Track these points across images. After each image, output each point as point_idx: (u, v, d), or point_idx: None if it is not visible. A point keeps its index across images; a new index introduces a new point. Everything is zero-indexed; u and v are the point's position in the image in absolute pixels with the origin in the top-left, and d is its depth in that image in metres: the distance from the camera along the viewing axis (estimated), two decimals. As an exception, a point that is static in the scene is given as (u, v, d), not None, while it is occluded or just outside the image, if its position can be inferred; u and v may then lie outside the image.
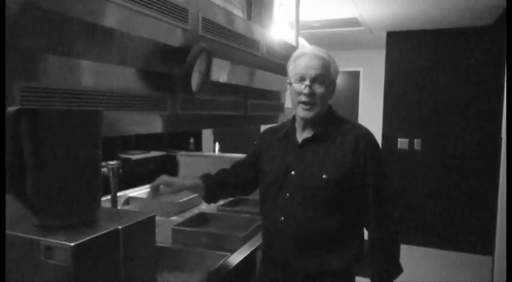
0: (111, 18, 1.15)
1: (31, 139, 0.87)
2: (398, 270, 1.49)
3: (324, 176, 1.42)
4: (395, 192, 1.53)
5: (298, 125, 1.54)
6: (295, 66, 1.47)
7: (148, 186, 2.64)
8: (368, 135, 1.49)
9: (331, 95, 1.50)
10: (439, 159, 4.42)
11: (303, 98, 1.44)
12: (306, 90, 1.43)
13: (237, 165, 1.73)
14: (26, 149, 0.87)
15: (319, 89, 1.44)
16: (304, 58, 1.46)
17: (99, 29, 1.13)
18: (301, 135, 1.52)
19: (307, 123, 1.50)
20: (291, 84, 1.48)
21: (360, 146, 1.44)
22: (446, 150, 4.38)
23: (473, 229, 4.28)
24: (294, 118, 1.57)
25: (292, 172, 1.47)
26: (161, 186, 1.57)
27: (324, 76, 1.44)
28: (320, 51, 1.48)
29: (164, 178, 1.58)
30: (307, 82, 1.43)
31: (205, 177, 1.65)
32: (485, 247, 3.97)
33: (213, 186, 1.64)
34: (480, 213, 4.23)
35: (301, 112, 1.46)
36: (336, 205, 1.44)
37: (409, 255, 4.12)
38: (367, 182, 1.44)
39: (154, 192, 1.57)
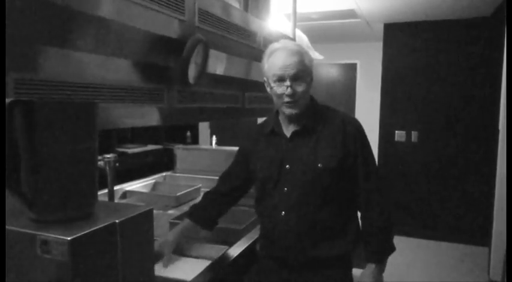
0: (107, 9, 1.13)
1: (26, 131, 0.85)
2: (391, 248, 1.52)
3: (319, 165, 1.43)
4: (380, 175, 1.56)
5: (283, 120, 1.54)
6: (271, 66, 1.44)
7: (144, 180, 2.65)
8: (353, 119, 1.53)
9: (311, 86, 1.49)
10: (436, 151, 4.42)
11: (286, 99, 1.43)
12: (289, 91, 1.41)
13: (225, 176, 1.72)
14: (21, 142, 0.86)
15: (299, 87, 1.42)
16: (279, 56, 1.42)
17: (94, 20, 1.11)
18: (288, 129, 1.52)
19: (292, 117, 1.50)
20: (271, 87, 1.45)
21: (348, 131, 1.47)
22: (444, 143, 4.39)
23: (469, 220, 4.31)
24: (277, 113, 1.56)
25: (287, 166, 1.47)
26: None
27: (302, 72, 1.42)
28: (293, 45, 1.46)
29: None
30: (288, 83, 1.40)
31: (190, 212, 1.64)
32: (482, 238, 3.99)
33: (201, 215, 1.63)
34: (477, 204, 4.25)
35: (287, 110, 1.46)
36: (333, 193, 1.46)
37: (406, 247, 4.15)
38: (358, 164, 1.47)
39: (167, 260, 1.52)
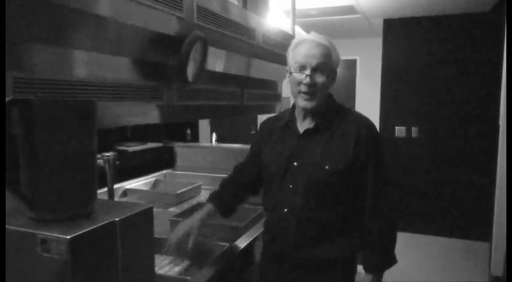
0: (105, 7, 1.13)
1: (24, 130, 0.85)
2: (392, 261, 1.49)
3: (326, 167, 1.40)
4: (393, 183, 1.52)
5: (298, 115, 1.51)
6: (295, 54, 1.42)
7: (145, 178, 2.64)
8: (370, 125, 1.47)
9: (332, 84, 1.45)
10: (437, 146, 4.42)
11: (304, 88, 1.40)
12: (307, 80, 1.38)
13: (242, 166, 1.71)
14: (19, 141, 0.85)
15: (320, 79, 1.39)
16: (305, 46, 1.41)
17: (92, 18, 1.11)
18: (302, 125, 1.49)
19: (307, 113, 1.47)
20: (290, 73, 1.43)
21: (362, 136, 1.42)
22: (444, 138, 4.39)
23: (470, 215, 4.31)
24: (293, 107, 1.54)
25: (295, 163, 1.45)
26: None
27: (325, 65, 1.40)
28: (321, 39, 1.43)
29: (175, 238, 1.50)
30: (308, 72, 1.38)
31: (214, 198, 1.63)
32: (483, 233, 3.99)
33: (223, 202, 1.62)
34: (477, 199, 4.25)
35: (302, 102, 1.42)
36: (338, 195, 1.43)
37: (407, 242, 4.15)
38: (368, 172, 1.43)
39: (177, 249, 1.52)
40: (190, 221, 1.55)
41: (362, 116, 1.51)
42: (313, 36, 1.45)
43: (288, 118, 1.53)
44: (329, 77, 1.42)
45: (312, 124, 1.47)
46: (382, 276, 1.50)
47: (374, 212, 1.45)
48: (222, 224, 1.77)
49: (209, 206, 1.60)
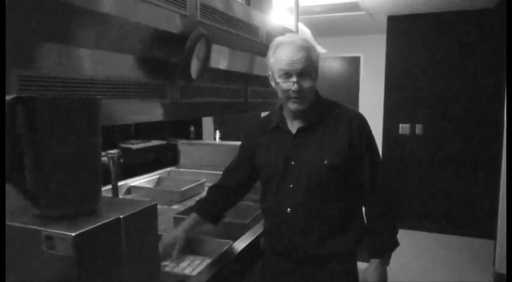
0: (108, 4, 1.13)
1: (29, 127, 0.85)
2: (396, 243, 1.51)
3: (325, 162, 1.41)
4: (386, 170, 1.57)
5: (288, 115, 1.51)
6: (277, 61, 1.40)
7: (149, 175, 2.65)
8: (359, 116, 1.51)
9: (317, 80, 1.45)
10: (441, 144, 4.41)
11: (293, 95, 1.40)
12: (295, 87, 1.38)
13: (229, 170, 1.70)
14: (24, 138, 0.86)
15: (306, 83, 1.40)
16: (285, 51, 1.39)
17: (96, 15, 1.11)
18: (293, 125, 1.50)
19: (298, 113, 1.48)
20: (277, 83, 1.42)
21: (354, 128, 1.45)
22: (448, 135, 4.37)
23: (475, 213, 4.29)
24: (281, 107, 1.54)
25: (292, 162, 1.46)
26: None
27: (310, 68, 1.40)
28: (300, 40, 1.42)
29: (160, 250, 1.45)
30: (294, 79, 1.38)
31: (198, 207, 1.63)
32: (487, 231, 3.98)
33: (209, 210, 1.62)
34: (482, 197, 4.24)
35: (292, 106, 1.43)
36: (339, 189, 1.45)
37: (411, 240, 4.14)
38: (364, 160, 1.46)
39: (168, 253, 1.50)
40: (175, 232, 1.54)
41: (350, 109, 1.54)
42: (291, 38, 1.43)
43: (278, 119, 1.53)
44: (314, 78, 1.42)
45: (303, 122, 1.48)
46: (389, 260, 1.52)
47: (374, 200, 1.48)
48: (226, 221, 1.78)
49: (194, 216, 1.60)
